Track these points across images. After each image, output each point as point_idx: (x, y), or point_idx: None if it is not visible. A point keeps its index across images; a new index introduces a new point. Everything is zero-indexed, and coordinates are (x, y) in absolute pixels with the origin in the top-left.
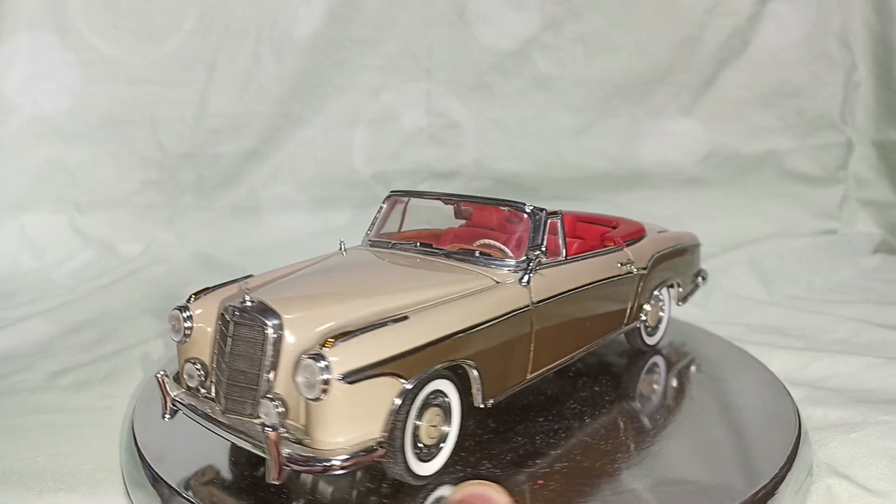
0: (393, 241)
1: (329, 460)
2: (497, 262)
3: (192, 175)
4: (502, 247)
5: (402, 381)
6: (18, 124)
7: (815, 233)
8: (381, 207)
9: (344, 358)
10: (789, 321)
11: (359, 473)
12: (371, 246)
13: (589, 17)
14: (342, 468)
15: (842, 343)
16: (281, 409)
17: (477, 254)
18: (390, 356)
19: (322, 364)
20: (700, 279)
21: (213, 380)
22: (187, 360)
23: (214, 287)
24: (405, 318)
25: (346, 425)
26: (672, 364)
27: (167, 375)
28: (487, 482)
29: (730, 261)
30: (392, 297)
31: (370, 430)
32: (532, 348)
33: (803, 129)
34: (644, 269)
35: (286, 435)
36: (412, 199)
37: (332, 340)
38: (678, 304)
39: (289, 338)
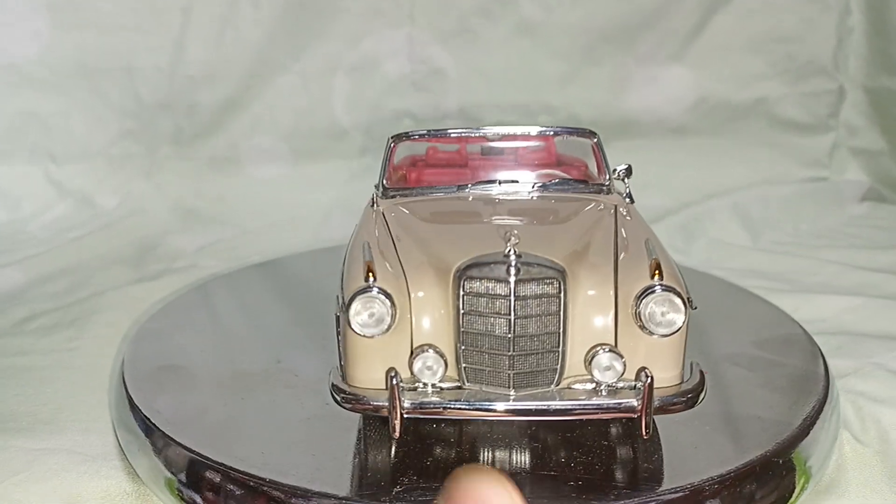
0: (460, 185)
1: (692, 393)
2: (590, 187)
3: (170, 125)
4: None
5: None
6: None
7: (803, 181)
8: (389, 153)
9: (681, 287)
10: (772, 265)
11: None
12: (403, 196)
13: None
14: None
15: (824, 286)
16: (624, 359)
17: (569, 181)
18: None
19: (672, 296)
20: None
21: (468, 362)
22: (419, 350)
23: (372, 267)
24: (649, 241)
25: (683, 355)
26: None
27: (401, 382)
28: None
29: (714, 207)
30: (587, 233)
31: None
32: None
33: (794, 75)
34: None
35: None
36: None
37: (658, 273)
38: None
39: (580, 286)
